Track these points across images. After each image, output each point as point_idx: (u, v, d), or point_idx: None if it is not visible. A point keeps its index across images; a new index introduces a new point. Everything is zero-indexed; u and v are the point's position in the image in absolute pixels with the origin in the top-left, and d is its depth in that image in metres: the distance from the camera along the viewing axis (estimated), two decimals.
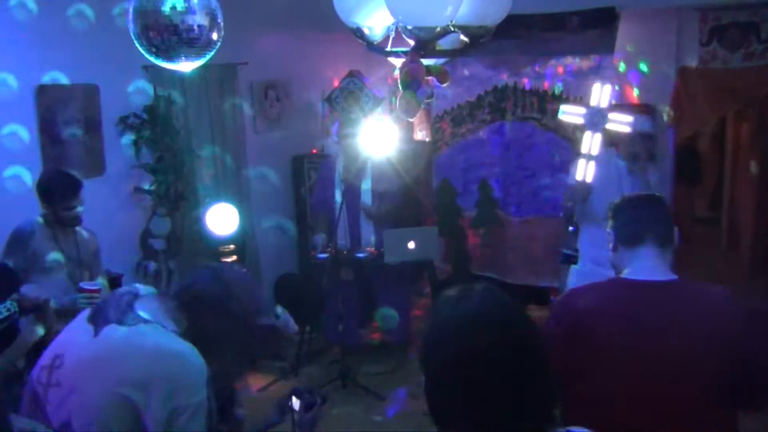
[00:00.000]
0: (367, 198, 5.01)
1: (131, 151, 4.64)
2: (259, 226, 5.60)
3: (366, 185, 5.01)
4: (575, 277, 4.02)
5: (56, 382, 1.61)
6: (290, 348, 5.30)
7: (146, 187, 4.70)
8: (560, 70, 5.64)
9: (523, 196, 5.85)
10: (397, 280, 5.18)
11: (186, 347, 1.64)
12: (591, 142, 3.92)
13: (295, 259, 6.15)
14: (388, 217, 5.03)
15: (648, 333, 1.82)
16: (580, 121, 3.95)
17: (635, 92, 5.65)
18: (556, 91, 5.71)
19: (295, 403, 2.17)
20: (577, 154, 4.04)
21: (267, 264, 5.70)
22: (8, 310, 2.27)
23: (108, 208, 4.48)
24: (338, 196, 4.97)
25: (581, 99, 5.66)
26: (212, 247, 5.06)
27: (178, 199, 4.81)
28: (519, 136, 5.86)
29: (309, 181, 5.94)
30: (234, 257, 5.11)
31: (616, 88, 5.61)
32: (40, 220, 3.42)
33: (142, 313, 1.66)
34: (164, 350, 1.61)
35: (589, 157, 3.91)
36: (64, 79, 4.22)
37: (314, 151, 6.15)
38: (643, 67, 5.58)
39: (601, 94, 3.92)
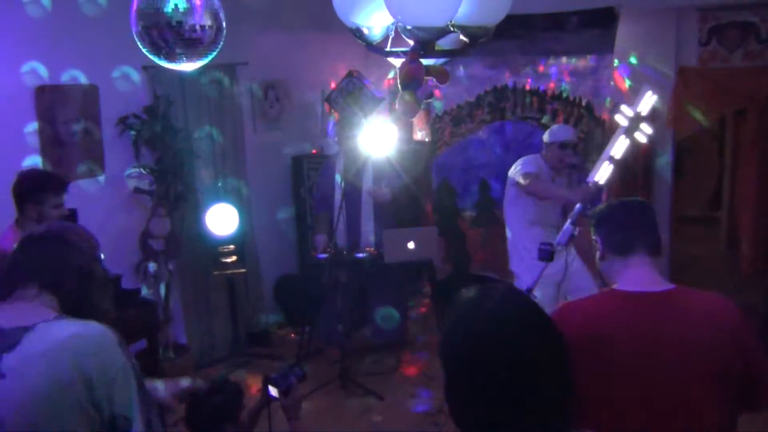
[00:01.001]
0: (366, 198, 5.01)
1: (131, 151, 4.64)
2: (259, 227, 5.60)
3: (366, 185, 5.01)
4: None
5: None
6: (290, 348, 5.30)
7: (145, 186, 4.71)
8: (560, 70, 5.65)
9: None
10: (396, 280, 5.19)
11: (77, 324, 1.61)
12: (620, 146, 3.89)
13: (294, 259, 6.15)
14: (390, 207, 5.03)
15: (651, 345, 1.79)
16: (625, 123, 3.91)
17: (634, 90, 5.65)
18: (556, 91, 5.72)
19: (273, 391, 2.20)
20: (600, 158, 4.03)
21: (267, 264, 5.70)
22: None
23: (107, 209, 4.48)
24: (338, 197, 4.97)
25: (580, 99, 5.68)
26: (212, 247, 5.06)
27: (177, 200, 4.81)
28: (519, 136, 5.87)
29: (309, 182, 5.94)
30: (234, 257, 5.11)
31: (611, 83, 5.62)
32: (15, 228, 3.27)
33: (14, 323, 1.59)
34: (66, 341, 1.56)
35: (612, 160, 3.89)
36: (63, 80, 4.22)
37: (314, 151, 6.16)
38: (642, 67, 5.58)
39: (647, 101, 3.85)
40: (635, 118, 3.83)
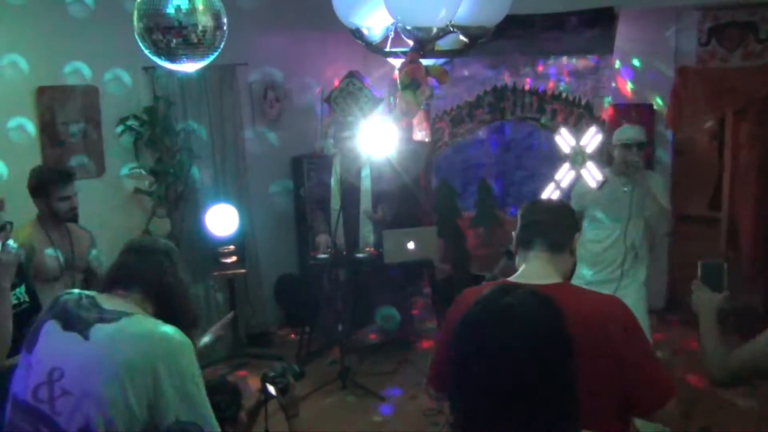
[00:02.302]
0: (366, 198, 5.01)
1: (131, 152, 4.64)
2: (259, 227, 5.60)
3: (365, 186, 5.01)
4: None
5: (63, 392, 1.62)
6: (290, 348, 5.30)
7: (145, 186, 4.71)
8: (559, 70, 5.65)
9: (522, 196, 5.87)
10: (396, 280, 5.19)
11: (169, 327, 1.71)
12: (564, 175, 3.87)
13: (294, 259, 6.15)
14: (387, 221, 5.04)
15: None
16: (567, 150, 3.90)
17: (633, 90, 5.66)
18: (555, 91, 5.72)
19: (271, 389, 2.21)
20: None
21: (267, 264, 5.70)
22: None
23: (108, 209, 4.48)
24: (336, 197, 4.98)
25: (580, 99, 5.69)
26: (212, 247, 5.06)
27: (177, 200, 4.81)
28: (518, 136, 5.88)
29: (308, 182, 5.94)
30: (234, 258, 5.11)
31: (613, 84, 5.63)
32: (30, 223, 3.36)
33: (115, 308, 1.72)
34: (157, 334, 1.68)
35: (558, 186, 3.88)
36: (63, 80, 4.22)
37: (314, 151, 6.15)
38: (642, 67, 5.59)
39: (592, 138, 3.80)
40: (579, 151, 3.81)
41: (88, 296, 1.76)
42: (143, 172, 4.67)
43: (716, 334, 2.06)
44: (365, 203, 5.01)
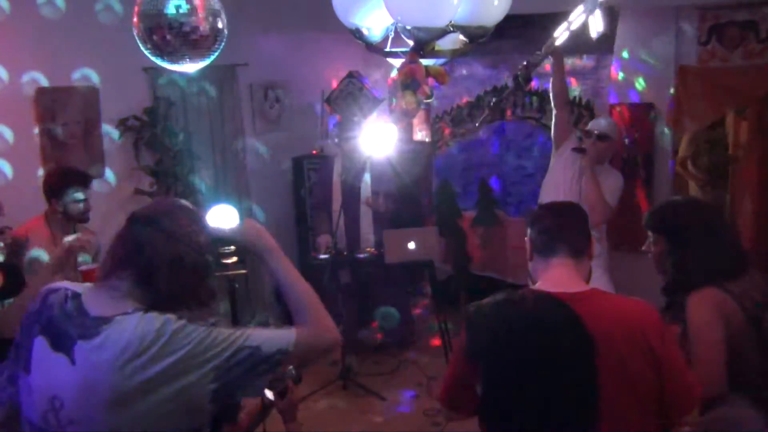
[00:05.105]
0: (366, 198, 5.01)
1: (131, 153, 4.64)
2: None
3: (366, 186, 5.01)
4: None
5: (69, 421, 1.55)
6: None
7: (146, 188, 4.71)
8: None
9: (522, 196, 5.86)
10: (396, 280, 5.18)
11: (161, 319, 1.57)
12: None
13: (295, 260, 6.14)
14: (387, 213, 5.03)
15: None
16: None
17: (633, 90, 5.65)
18: None
19: (269, 394, 2.21)
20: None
21: None
22: None
23: (108, 210, 4.48)
24: (337, 197, 4.97)
25: (580, 99, 5.68)
26: (212, 248, 5.05)
27: None
28: (518, 136, 5.87)
29: (309, 182, 5.94)
30: (234, 258, 5.10)
31: (613, 84, 5.62)
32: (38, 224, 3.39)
33: (100, 312, 1.59)
34: (149, 336, 1.54)
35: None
36: (64, 81, 4.22)
37: (314, 152, 6.16)
38: (642, 66, 5.59)
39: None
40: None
41: (74, 296, 1.63)
42: (144, 173, 4.67)
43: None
44: (364, 204, 5.01)
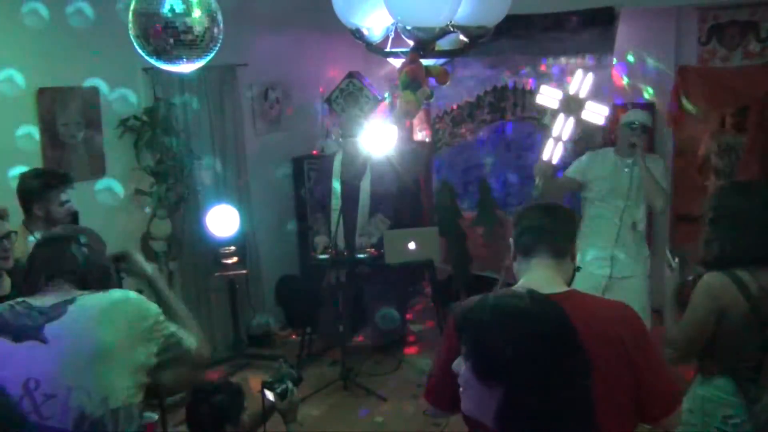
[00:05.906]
0: (366, 198, 5.00)
1: (131, 153, 4.65)
2: (260, 228, 5.60)
3: (365, 186, 5.01)
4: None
5: (45, 397, 1.65)
6: (291, 349, 5.30)
7: (147, 189, 4.71)
8: (560, 70, 5.64)
9: (522, 196, 5.85)
10: (397, 280, 5.18)
11: (116, 292, 1.83)
12: (563, 126, 4.05)
13: (295, 260, 6.15)
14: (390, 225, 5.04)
15: None
16: (555, 105, 4.04)
17: (633, 90, 5.65)
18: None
19: (269, 395, 2.21)
20: (549, 136, 4.13)
21: (267, 265, 5.70)
22: None
23: (108, 211, 4.48)
24: (336, 198, 4.97)
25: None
26: (213, 248, 5.06)
27: (178, 201, 4.81)
28: (519, 136, 5.87)
29: (309, 182, 5.94)
30: (235, 259, 5.11)
31: (613, 84, 5.62)
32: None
33: (53, 301, 1.76)
34: (108, 305, 1.77)
35: (558, 140, 4.00)
36: (64, 82, 4.22)
37: (314, 152, 6.16)
38: (642, 66, 5.58)
39: (582, 81, 4.00)
40: (572, 99, 3.97)
41: (19, 302, 1.78)
42: (144, 173, 4.67)
43: (674, 312, 2.44)
44: (365, 203, 5.00)
